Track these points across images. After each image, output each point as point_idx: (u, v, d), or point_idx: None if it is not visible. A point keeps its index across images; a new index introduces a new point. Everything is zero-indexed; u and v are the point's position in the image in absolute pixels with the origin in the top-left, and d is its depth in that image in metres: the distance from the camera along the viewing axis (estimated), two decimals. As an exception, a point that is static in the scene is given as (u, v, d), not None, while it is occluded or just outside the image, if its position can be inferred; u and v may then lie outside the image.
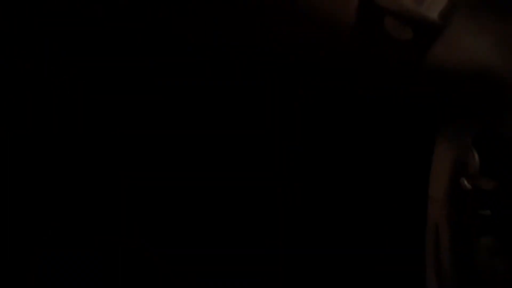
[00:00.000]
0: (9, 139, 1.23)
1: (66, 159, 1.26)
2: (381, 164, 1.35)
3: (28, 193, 1.25)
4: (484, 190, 1.20)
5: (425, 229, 1.24)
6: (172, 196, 1.27)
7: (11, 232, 1.27)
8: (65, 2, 1.17)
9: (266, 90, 1.28)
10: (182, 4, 1.14)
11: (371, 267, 1.33)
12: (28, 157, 1.25)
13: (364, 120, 1.34)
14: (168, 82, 1.24)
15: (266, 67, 1.21)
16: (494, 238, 1.20)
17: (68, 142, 1.25)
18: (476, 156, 1.21)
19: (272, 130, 1.29)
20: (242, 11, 1.15)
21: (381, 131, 1.34)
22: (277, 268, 1.31)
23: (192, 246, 1.28)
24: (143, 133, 1.26)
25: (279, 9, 1.14)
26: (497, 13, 1.14)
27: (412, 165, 1.31)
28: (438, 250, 1.23)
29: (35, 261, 1.25)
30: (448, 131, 1.23)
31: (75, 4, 1.15)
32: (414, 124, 1.30)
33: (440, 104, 1.22)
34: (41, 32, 1.20)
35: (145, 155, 1.26)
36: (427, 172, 1.24)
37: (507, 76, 1.15)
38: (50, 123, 1.24)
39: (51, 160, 1.25)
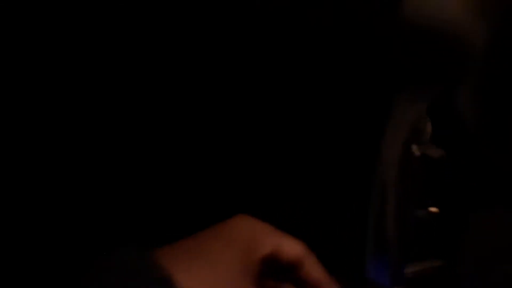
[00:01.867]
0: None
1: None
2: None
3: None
4: (431, 158, 1.24)
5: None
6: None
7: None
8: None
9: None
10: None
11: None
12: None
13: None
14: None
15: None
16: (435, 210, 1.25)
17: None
18: (430, 124, 1.25)
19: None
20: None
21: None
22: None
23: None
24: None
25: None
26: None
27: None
28: (382, 213, 1.24)
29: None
30: (405, 96, 1.24)
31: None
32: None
33: (403, 64, 1.23)
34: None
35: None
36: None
37: (472, 36, 1.20)
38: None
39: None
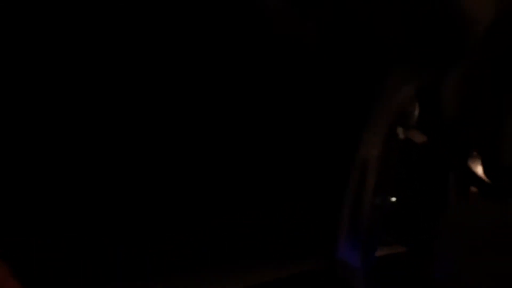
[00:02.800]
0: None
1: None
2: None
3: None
4: (414, 143, 1.23)
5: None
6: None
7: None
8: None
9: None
10: None
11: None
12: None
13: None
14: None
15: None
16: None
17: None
18: (417, 108, 1.23)
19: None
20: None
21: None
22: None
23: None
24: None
25: None
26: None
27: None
28: (360, 193, 1.22)
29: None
30: (395, 78, 1.24)
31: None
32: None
33: (396, 43, 1.23)
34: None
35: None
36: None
37: (475, 21, 1.18)
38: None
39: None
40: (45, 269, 1.18)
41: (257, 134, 1.29)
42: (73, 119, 1.23)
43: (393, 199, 1.23)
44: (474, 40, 1.20)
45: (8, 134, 1.19)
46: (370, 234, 1.22)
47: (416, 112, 1.24)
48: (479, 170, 1.17)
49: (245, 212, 1.27)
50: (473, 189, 1.19)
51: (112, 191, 1.25)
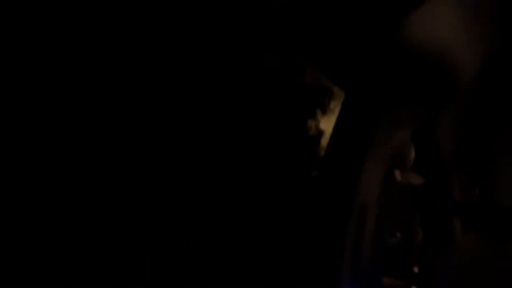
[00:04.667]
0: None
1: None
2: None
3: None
4: (413, 185, 1.25)
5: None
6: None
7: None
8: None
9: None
10: None
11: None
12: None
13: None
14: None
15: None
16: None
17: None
18: (413, 150, 1.25)
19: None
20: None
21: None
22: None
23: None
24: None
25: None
26: (472, 6, 1.21)
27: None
28: (361, 231, 1.24)
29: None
30: (392, 120, 1.26)
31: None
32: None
33: (395, 85, 1.25)
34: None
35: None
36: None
37: (462, 65, 1.21)
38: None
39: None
40: (45, 269, 1.18)
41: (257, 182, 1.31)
42: (74, 120, 1.22)
43: (395, 237, 1.24)
44: (465, 82, 1.23)
45: (9, 134, 1.18)
46: (372, 271, 1.24)
47: (412, 155, 1.26)
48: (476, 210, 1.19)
49: (251, 254, 1.28)
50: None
51: (112, 192, 1.24)
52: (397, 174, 1.26)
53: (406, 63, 1.24)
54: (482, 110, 1.23)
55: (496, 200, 1.21)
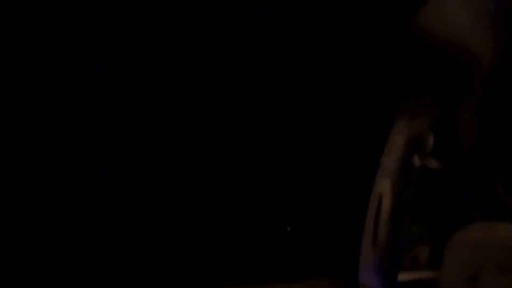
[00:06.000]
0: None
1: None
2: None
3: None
4: (430, 169, 1.27)
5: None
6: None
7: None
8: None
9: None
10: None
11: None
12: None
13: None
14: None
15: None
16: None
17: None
18: (432, 137, 1.28)
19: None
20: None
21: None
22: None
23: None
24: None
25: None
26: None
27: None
28: (378, 218, 1.26)
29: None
30: (410, 108, 1.28)
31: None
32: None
33: (412, 74, 1.27)
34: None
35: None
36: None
37: (480, 54, 1.23)
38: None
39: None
40: (44, 269, 1.20)
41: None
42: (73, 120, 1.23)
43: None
44: (482, 71, 1.25)
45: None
46: (391, 259, 1.26)
47: (431, 141, 1.28)
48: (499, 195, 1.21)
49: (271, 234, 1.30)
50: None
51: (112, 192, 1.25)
52: (416, 159, 1.28)
53: (422, 52, 1.26)
54: (502, 101, 1.25)
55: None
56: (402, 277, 1.27)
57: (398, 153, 1.27)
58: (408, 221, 1.27)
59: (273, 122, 1.30)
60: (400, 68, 1.27)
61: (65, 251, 1.21)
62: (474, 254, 1.18)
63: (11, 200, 1.16)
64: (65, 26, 1.16)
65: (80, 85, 1.20)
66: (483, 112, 1.25)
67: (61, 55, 1.18)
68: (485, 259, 1.17)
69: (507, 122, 1.26)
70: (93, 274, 1.20)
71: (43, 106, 1.18)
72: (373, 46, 1.28)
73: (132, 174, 1.24)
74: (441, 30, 1.23)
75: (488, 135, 1.24)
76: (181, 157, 1.24)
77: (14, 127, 1.16)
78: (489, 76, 1.25)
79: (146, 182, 1.24)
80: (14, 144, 1.15)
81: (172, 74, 1.24)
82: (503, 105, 1.25)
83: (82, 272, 1.20)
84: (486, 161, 1.24)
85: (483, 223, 1.22)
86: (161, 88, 1.23)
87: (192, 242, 1.26)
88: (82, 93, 1.19)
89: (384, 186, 1.27)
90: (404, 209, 1.27)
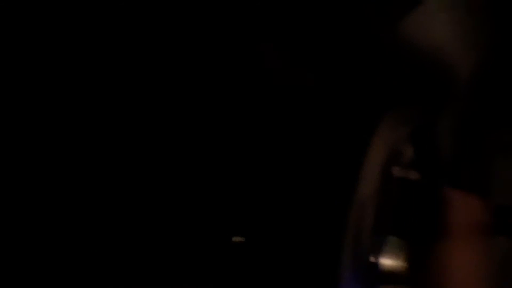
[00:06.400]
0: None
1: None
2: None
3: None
4: (410, 180, 1.28)
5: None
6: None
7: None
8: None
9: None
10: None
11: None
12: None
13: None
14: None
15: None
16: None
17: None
18: (411, 148, 1.29)
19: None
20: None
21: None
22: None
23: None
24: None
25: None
26: (466, 8, 1.24)
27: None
28: (359, 229, 1.28)
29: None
30: (390, 119, 1.30)
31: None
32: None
33: (394, 86, 1.29)
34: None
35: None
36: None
37: (459, 66, 1.24)
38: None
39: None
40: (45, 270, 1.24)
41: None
42: (73, 120, 1.28)
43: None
44: (461, 83, 1.26)
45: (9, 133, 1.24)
46: (370, 269, 1.27)
47: (409, 152, 1.30)
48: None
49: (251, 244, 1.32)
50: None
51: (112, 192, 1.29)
52: (395, 170, 1.29)
53: (402, 63, 1.28)
54: (480, 112, 1.25)
55: (494, 198, 1.22)
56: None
57: (378, 164, 1.29)
58: (387, 232, 1.29)
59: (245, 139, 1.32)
60: (380, 78, 1.29)
61: (65, 251, 1.24)
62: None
63: (11, 200, 1.20)
64: (65, 26, 1.20)
65: (79, 85, 1.23)
66: (462, 123, 1.25)
67: (61, 55, 1.22)
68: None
69: (486, 132, 1.25)
70: (84, 275, 1.24)
71: (43, 106, 1.22)
72: (351, 58, 1.31)
73: (132, 174, 1.27)
74: (420, 41, 1.25)
75: (465, 144, 1.24)
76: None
77: (14, 127, 1.20)
78: (468, 87, 1.26)
79: (141, 182, 1.28)
80: (14, 144, 1.19)
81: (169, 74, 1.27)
82: (482, 116, 1.25)
83: (81, 272, 1.24)
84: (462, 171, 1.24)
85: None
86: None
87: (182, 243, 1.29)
88: (82, 93, 1.23)
89: (364, 197, 1.29)
90: (383, 220, 1.29)
